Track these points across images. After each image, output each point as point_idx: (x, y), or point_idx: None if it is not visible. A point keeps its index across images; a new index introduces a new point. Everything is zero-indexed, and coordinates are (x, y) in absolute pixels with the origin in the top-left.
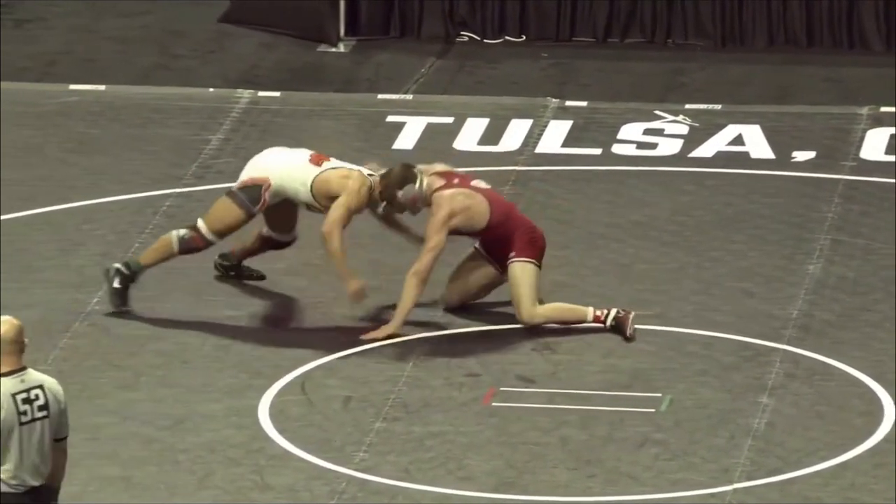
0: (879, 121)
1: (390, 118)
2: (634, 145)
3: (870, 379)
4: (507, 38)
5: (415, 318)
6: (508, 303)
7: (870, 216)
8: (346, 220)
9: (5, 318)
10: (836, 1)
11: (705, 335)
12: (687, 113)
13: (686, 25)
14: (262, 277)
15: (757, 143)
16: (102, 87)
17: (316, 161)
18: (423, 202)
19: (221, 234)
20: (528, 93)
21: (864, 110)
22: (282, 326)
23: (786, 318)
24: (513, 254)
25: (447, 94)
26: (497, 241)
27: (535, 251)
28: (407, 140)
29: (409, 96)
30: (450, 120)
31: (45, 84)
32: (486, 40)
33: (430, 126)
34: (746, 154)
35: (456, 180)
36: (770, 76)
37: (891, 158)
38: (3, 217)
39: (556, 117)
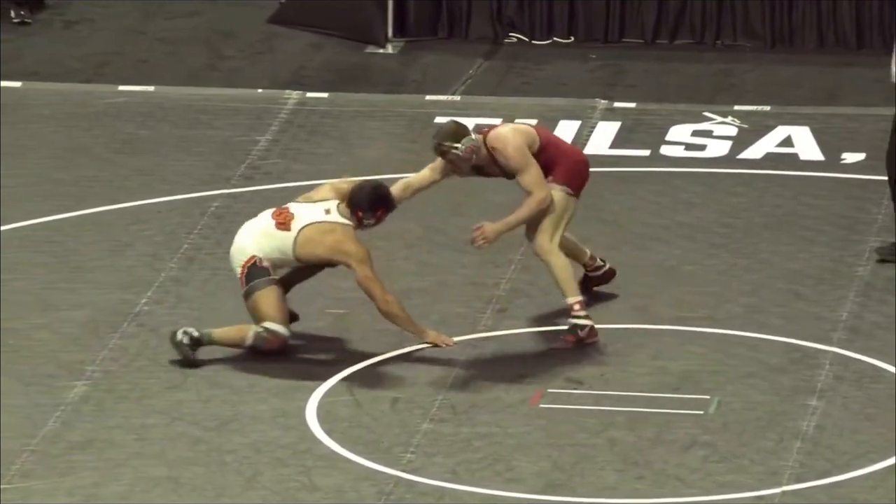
0: None
1: (438, 119)
2: (683, 147)
3: None
4: (556, 39)
5: (462, 320)
6: (555, 303)
7: None
8: (374, 274)
9: None
10: (887, 1)
11: (754, 337)
12: (736, 114)
13: (735, 26)
14: (295, 318)
15: (806, 144)
16: (151, 88)
17: (281, 221)
18: (479, 151)
19: (283, 317)
20: (576, 94)
21: None
22: (330, 327)
23: (835, 321)
24: (550, 178)
25: (495, 96)
26: (543, 167)
27: (576, 180)
28: None
29: (457, 97)
30: (498, 121)
31: (94, 85)
32: (534, 41)
33: (477, 127)
34: (795, 156)
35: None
36: (819, 77)
37: None
38: (53, 217)
39: (604, 118)
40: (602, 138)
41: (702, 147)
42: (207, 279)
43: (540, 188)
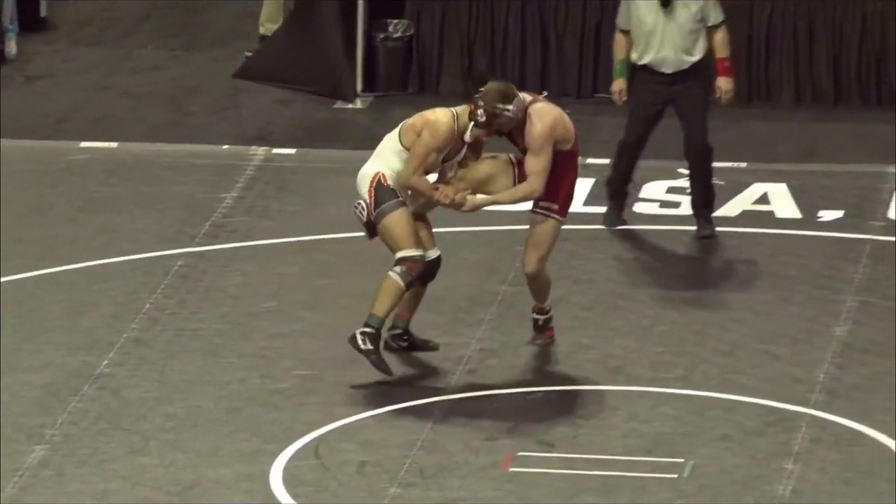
0: None
1: None
2: (657, 204)
3: None
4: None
5: (432, 381)
6: (526, 363)
7: None
8: (422, 167)
9: None
10: (865, 57)
11: (729, 399)
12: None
13: (711, 82)
14: (435, 348)
15: (783, 201)
16: (114, 145)
17: (396, 131)
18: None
19: (416, 240)
20: None
21: (893, 168)
22: (295, 389)
23: (812, 382)
24: (556, 206)
25: None
26: (554, 170)
27: (568, 206)
28: None
29: None
30: None
31: (56, 141)
32: None
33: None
34: (772, 213)
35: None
36: (797, 134)
37: None
38: (13, 277)
39: (579, 175)
40: (575, 195)
41: (676, 204)
42: (170, 340)
43: (538, 180)
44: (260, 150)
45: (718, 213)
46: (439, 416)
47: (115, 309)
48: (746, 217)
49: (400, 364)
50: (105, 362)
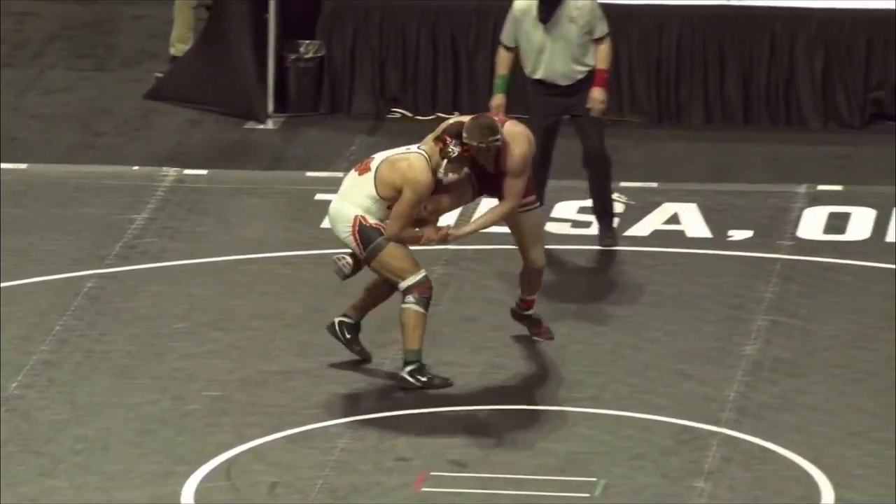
0: (817, 199)
1: (319, 196)
2: (569, 224)
3: (807, 463)
4: (440, 114)
5: (344, 401)
6: (440, 386)
7: (807, 297)
8: (408, 223)
9: None
10: (774, 78)
11: (642, 418)
12: (623, 191)
13: (622, 102)
14: (368, 359)
15: (693, 221)
16: (24, 166)
17: (362, 168)
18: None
19: (415, 266)
20: None
21: (802, 188)
22: (206, 410)
23: (723, 401)
24: (533, 197)
25: None
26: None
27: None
28: None
29: (340, 174)
30: None
31: None
32: (418, 117)
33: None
34: (682, 233)
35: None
36: (707, 154)
37: (828, 238)
38: None
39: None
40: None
41: (588, 224)
42: (80, 361)
43: (517, 199)
44: (171, 171)
45: (630, 232)
46: (351, 436)
47: (25, 330)
48: (658, 236)
49: (311, 385)
50: (14, 384)
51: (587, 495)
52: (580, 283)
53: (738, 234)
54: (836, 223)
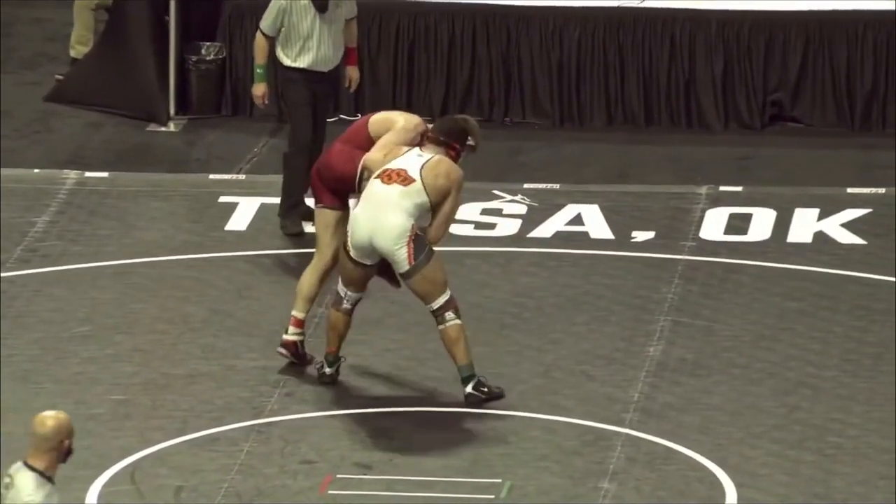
0: (718, 200)
1: (223, 199)
2: (472, 225)
3: (711, 463)
4: (342, 116)
5: (248, 404)
6: (344, 386)
7: (710, 297)
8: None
9: (52, 413)
10: (674, 79)
11: (546, 419)
12: (525, 192)
13: (524, 104)
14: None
15: (596, 222)
16: None
17: (401, 178)
18: None
19: (446, 284)
20: None
21: (703, 189)
22: (110, 414)
23: (627, 401)
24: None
25: (281, 174)
26: None
27: None
28: (240, 221)
29: (242, 176)
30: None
31: None
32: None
33: (263, 206)
34: (586, 234)
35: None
36: (609, 155)
37: (730, 238)
38: None
39: None
40: None
41: (491, 226)
42: None
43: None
44: (72, 174)
45: (532, 233)
46: (256, 439)
47: None
48: (560, 238)
49: (215, 388)
50: None
51: (493, 497)
52: (483, 286)
53: (640, 235)
54: (738, 224)
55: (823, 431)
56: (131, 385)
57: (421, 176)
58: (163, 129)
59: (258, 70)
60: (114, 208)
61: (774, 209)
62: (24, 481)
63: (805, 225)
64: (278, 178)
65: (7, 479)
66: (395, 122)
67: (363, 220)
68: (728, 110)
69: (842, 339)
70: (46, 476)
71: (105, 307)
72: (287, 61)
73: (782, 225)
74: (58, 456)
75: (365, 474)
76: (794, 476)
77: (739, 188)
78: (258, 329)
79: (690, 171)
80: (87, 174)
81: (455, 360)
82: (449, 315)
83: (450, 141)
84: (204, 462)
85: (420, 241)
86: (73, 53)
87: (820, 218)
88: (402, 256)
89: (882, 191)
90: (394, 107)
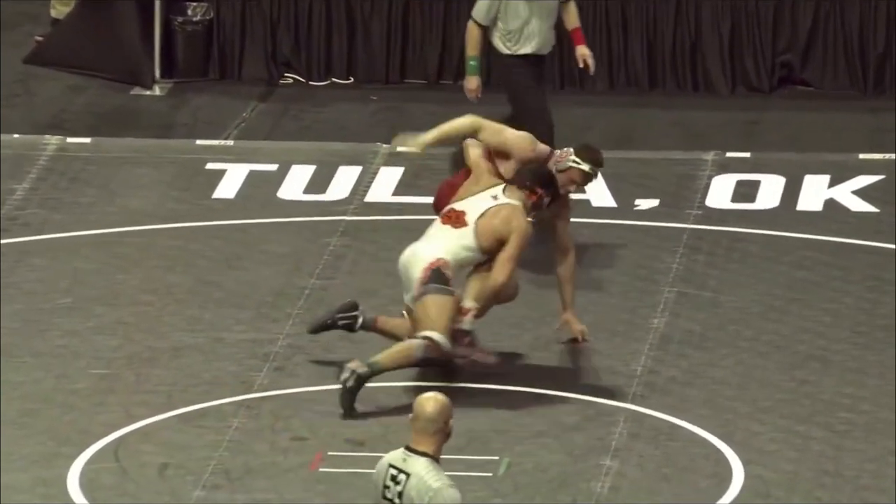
0: (725, 167)
1: (210, 165)
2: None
3: (717, 439)
4: (335, 80)
5: (237, 378)
6: (335, 359)
7: (716, 267)
8: (516, 266)
9: (431, 395)
10: (679, 41)
11: (545, 394)
12: None
13: None
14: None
15: (598, 190)
16: None
17: (455, 221)
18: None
19: (448, 330)
20: (356, 138)
21: (710, 156)
22: (93, 388)
23: (630, 375)
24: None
25: (270, 140)
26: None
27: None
28: (228, 188)
29: (230, 142)
30: (273, 167)
31: None
32: (311, 83)
33: (252, 173)
34: (588, 202)
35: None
36: (611, 120)
37: (737, 206)
38: None
39: (386, 164)
40: (384, 185)
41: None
42: None
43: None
44: (53, 140)
45: None
46: (245, 415)
47: None
48: None
49: (202, 362)
50: None
51: (490, 474)
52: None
53: (644, 203)
54: (745, 191)
55: (833, 406)
56: (115, 359)
57: (476, 224)
58: (147, 92)
59: (471, 63)
60: (96, 175)
61: (783, 176)
62: (423, 467)
63: (815, 192)
64: (268, 144)
65: (393, 471)
66: (503, 133)
67: (406, 251)
68: (735, 73)
69: (853, 310)
70: (436, 459)
71: (88, 278)
72: (506, 49)
73: (791, 192)
74: (443, 438)
75: (357, 451)
76: (803, 452)
77: (747, 154)
78: (247, 300)
79: (696, 137)
80: (69, 140)
81: (382, 352)
82: (419, 338)
83: (533, 185)
84: (191, 438)
85: (441, 275)
86: (53, 13)
87: (831, 185)
88: (416, 279)
89: (895, 157)
90: (387, 70)
